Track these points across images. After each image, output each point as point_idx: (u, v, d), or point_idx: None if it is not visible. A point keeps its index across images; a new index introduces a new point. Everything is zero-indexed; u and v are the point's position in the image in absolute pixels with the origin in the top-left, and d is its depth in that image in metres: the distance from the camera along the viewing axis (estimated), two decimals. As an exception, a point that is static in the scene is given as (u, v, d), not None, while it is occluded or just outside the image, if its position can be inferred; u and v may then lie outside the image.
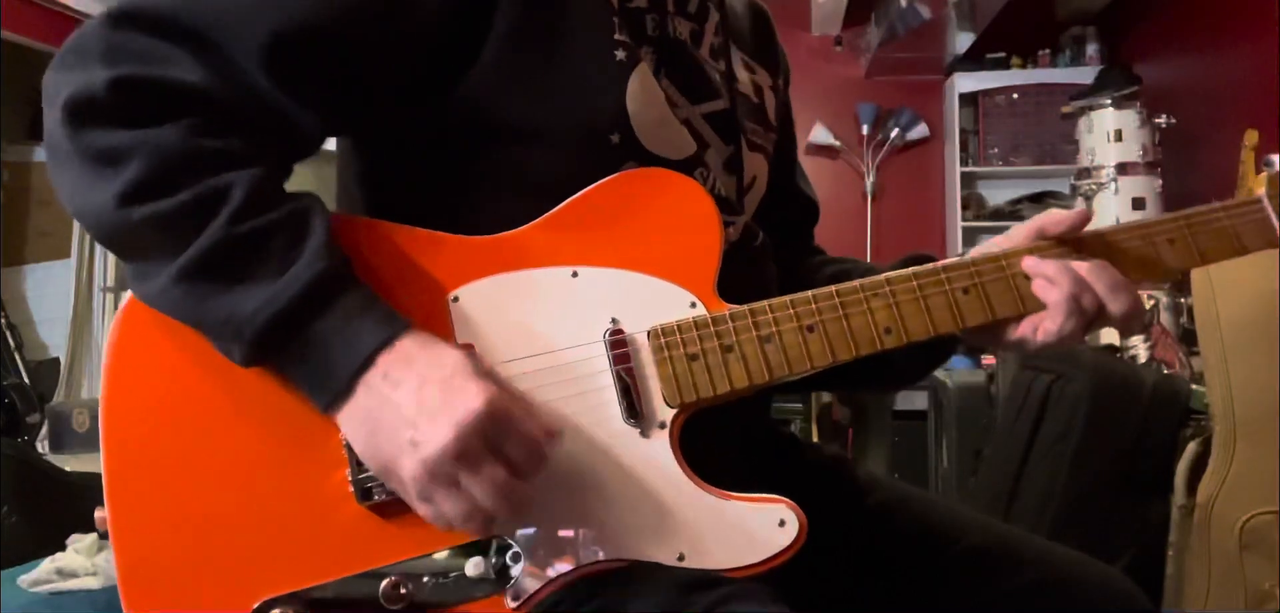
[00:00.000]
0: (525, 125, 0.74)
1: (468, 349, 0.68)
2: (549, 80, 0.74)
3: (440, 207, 0.76)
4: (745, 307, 0.75)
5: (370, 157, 0.81)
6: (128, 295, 0.70)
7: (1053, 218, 0.84)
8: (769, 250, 0.90)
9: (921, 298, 0.78)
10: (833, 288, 0.77)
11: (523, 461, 0.64)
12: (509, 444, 0.64)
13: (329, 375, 0.65)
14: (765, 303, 0.76)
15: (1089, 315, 0.80)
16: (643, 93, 0.76)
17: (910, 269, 0.79)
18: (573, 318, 0.73)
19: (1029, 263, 0.81)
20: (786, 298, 0.76)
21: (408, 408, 0.63)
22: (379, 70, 0.72)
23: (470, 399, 0.62)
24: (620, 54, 0.76)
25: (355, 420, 0.65)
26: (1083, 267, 0.79)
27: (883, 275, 0.78)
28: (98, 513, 0.69)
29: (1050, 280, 0.79)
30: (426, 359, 0.64)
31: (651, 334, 0.74)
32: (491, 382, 0.64)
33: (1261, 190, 0.87)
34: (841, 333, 0.76)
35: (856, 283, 0.77)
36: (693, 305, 0.74)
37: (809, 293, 0.76)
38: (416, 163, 0.78)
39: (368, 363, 0.64)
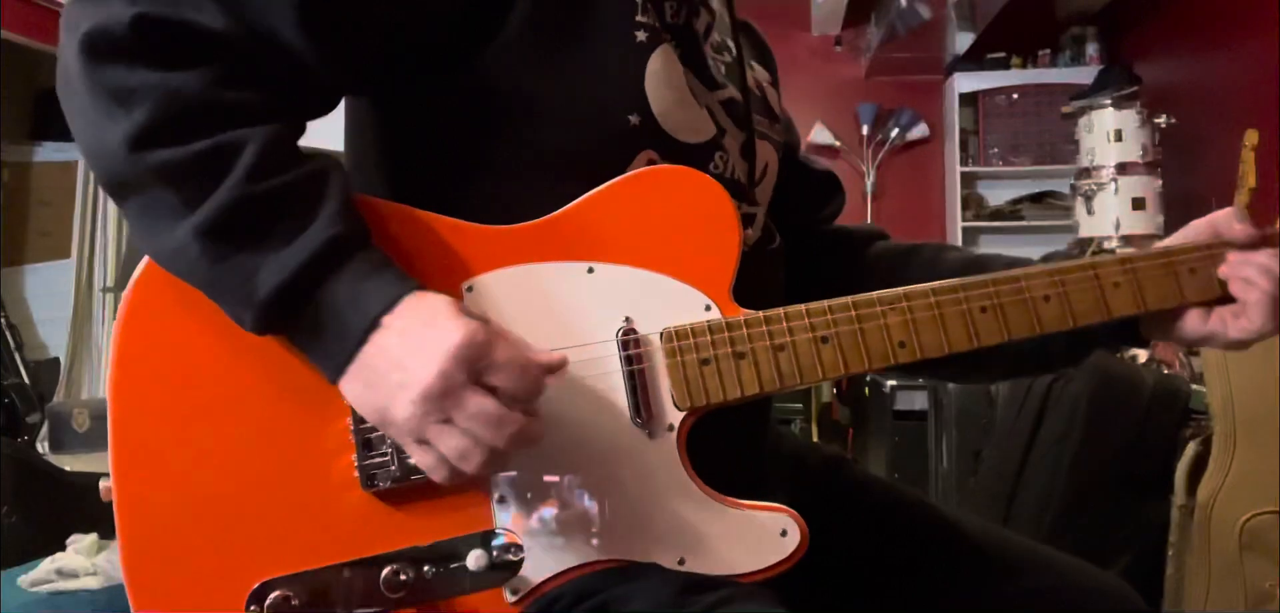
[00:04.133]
0: (544, 101, 0.74)
1: (465, 294, 0.66)
2: (569, 57, 0.74)
3: (455, 183, 0.76)
4: (760, 313, 0.74)
5: (386, 131, 0.80)
6: (136, 275, 0.69)
7: (1225, 220, 0.85)
8: (783, 256, 0.90)
9: (938, 314, 0.77)
10: (850, 299, 0.76)
11: (512, 386, 0.63)
12: (494, 373, 0.63)
13: (339, 343, 0.64)
14: (781, 311, 0.75)
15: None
16: (662, 74, 0.76)
17: (929, 284, 0.78)
18: (586, 314, 0.72)
19: (1234, 258, 0.82)
20: (801, 306, 0.75)
21: (394, 351, 0.63)
22: (407, 30, 0.72)
23: (449, 333, 0.62)
24: (641, 36, 0.75)
25: (354, 377, 0.65)
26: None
27: (900, 289, 0.77)
28: (103, 483, 0.68)
29: (1249, 281, 0.81)
30: (414, 309, 0.64)
31: (664, 335, 0.73)
32: (476, 319, 0.64)
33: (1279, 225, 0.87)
34: (855, 345, 0.75)
35: (873, 295, 0.76)
36: (707, 308, 0.74)
37: (826, 302, 0.76)
38: (432, 138, 0.77)
39: (374, 326, 0.63)
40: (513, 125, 0.74)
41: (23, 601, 1.43)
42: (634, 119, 0.74)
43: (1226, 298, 0.83)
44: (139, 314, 0.69)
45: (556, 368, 0.66)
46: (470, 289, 0.71)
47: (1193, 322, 0.84)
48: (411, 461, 0.66)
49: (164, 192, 0.63)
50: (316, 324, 0.64)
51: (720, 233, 0.74)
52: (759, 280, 0.80)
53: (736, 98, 0.85)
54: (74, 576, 1.47)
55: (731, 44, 0.89)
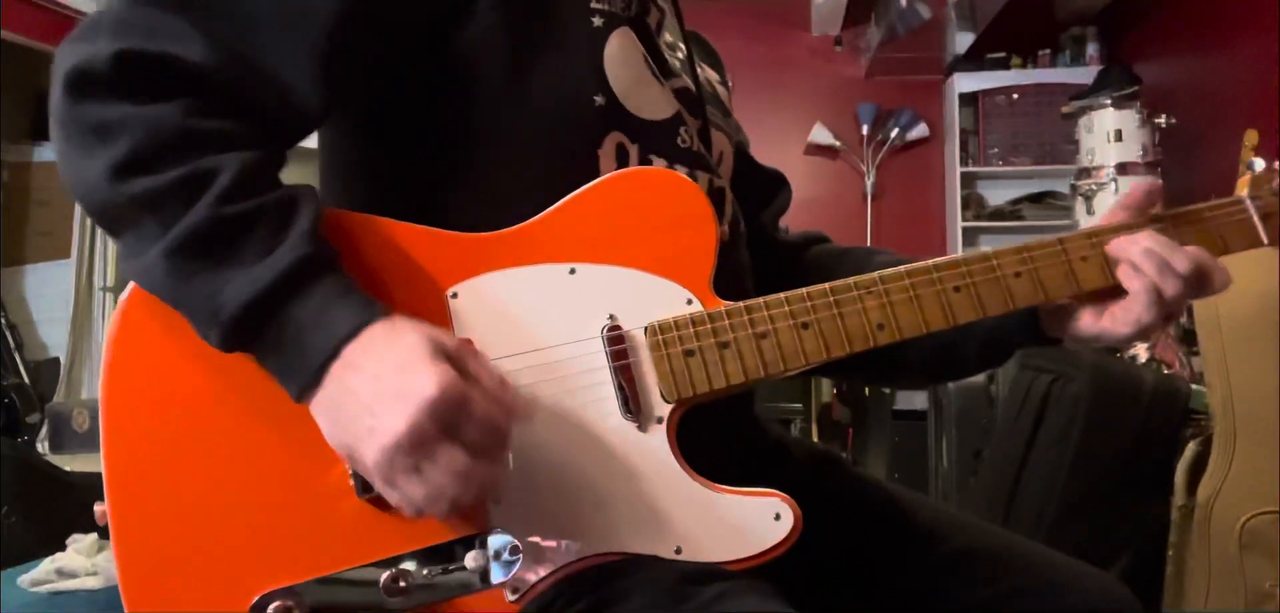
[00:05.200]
0: (512, 91, 0.75)
1: (436, 329, 0.66)
2: (532, 42, 0.76)
3: (433, 188, 0.77)
4: (741, 304, 0.76)
5: (363, 144, 0.81)
6: (127, 293, 0.70)
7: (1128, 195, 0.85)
8: (744, 238, 0.92)
9: (914, 296, 0.79)
10: (827, 285, 0.78)
11: (481, 443, 0.63)
12: (466, 428, 0.62)
13: (301, 363, 0.64)
14: (761, 300, 0.76)
15: (1170, 306, 0.80)
16: (620, 54, 0.78)
17: (903, 267, 0.80)
18: (571, 315, 0.73)
19: (1114, 242, 0.82)
20: (782, 295, 0.77)
21: (365, 395, 0.62)
22: (401, 39, 0.73)
23: (423, 385, 0.60)
24: (598, 20, 0.78)
25: (322, 410, 0.65)
26: (1167, 252, 0.80)
27: (875, 273, 0.79)
28: (98, 507, 0.69)
29: (1135, 267, 0.80)
30: (384, 345, 0.63)
31: (649, 330, 0.74)
32: (448, 364, 0.63)
33: (1244, 191, 0.87)
34: (836, 330, 0.77)
35: (851, 280, 0.78)
36: (689, 302, 0.75)
37: (804, 290, 0.77)
38: (409, 144, 0.78)
39: (336, 352, 0.63)
40: (483, 120, 0.76)
41: (23, 601, 1.43)
42: (598, 100, 0.77)
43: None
44: (130, 330, 0.69)
45: (525, 415, 0.66)
46: (455, 296, 0.72)
47: (1087, 320, 0.84)
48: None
49: (146, 219, 0.64)
50: (280, 342, 0.64)
51: (698, 229, 0.76)
52: (732, 264, 0.82)
53: (689, 88, 0.88)
54: (74, 576, 1.47)
55: (682, 44, 0.92)
